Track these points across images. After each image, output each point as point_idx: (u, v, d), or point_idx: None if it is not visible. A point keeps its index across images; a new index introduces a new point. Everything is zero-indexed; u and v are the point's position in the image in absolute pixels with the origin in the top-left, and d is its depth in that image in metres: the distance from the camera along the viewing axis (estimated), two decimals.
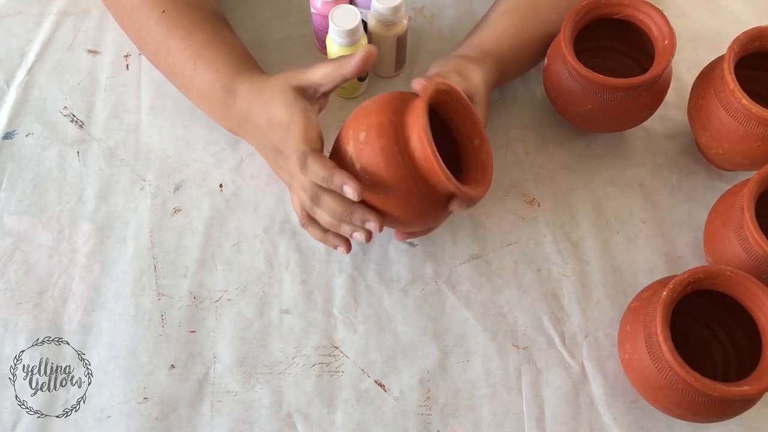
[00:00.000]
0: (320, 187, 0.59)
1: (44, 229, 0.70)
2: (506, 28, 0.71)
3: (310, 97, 0.63)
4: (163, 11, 0.69)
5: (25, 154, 0.74)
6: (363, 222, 0.59)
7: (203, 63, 0.67)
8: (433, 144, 0.55)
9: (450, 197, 0.59)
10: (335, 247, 0.65)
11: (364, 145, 0.57)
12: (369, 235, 0.61)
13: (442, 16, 0.83)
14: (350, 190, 0.56)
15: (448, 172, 0.55)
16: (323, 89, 0.63)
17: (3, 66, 0.79)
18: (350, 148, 0.58)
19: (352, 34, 0.69)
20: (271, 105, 0.63)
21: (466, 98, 0.60)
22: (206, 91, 0.68)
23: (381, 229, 0.59)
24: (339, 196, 0.59)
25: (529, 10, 0.71)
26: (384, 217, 0.59)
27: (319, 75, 0.62)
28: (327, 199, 0.59)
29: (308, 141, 0.60)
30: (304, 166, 0.58)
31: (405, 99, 0.58)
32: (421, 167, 0.56)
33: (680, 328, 0.64)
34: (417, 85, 0.58)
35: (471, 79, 0.65)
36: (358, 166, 0.57)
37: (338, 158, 0.59)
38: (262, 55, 0.79)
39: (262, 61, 0.78)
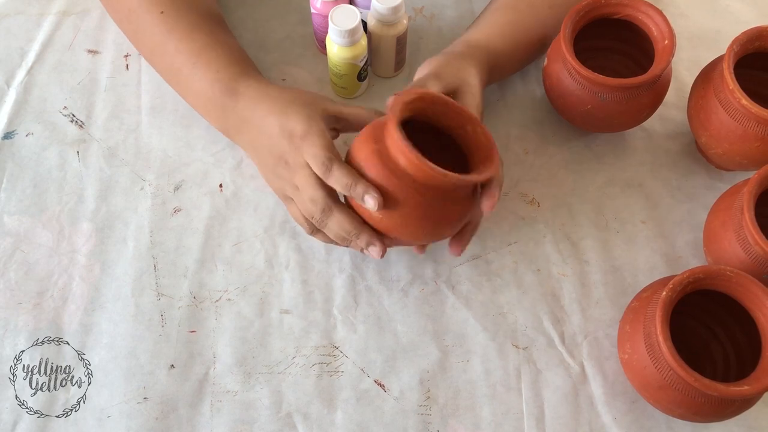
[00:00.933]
0: (334, 202, 0.60)
1: (44, 229, 0.70)
2: (496, 21, 0.71)
3: (332, 125, 0.64)
4: (162, 12, 0.69)
5: (25, 154, 0.74)
6: (367, 245, 0.60)
7: (203, 63, 0.67)
8: (412, 148, 0.55)
9: (466, 200, 0.59)
10: (361, 250, 0.63)
11: None
12: (382, 252, 0.61)
13: (442, 16, 0.83)
14: (371, 201, 0.57)
15: (435, 167, 0.55)
16: (341, 126, 0.65)
17: (3, 66, 0.79)
18: None
19: (352, 34, 0.69)
20: (289, 113, 0.62)
21: (442, 95, 0.60)
22: (204, 91, 0.68)
23: (382, 256, 0.60)
24: (350, 214, 0.59)
25: (521, 4, 0.71)
26: (401, 238, 0.61)
27: (359, 113, 0.64)
28: (339, 216, 0.60)
29: (331, 150, 0.60)
30: (328, 171, 0.58)
31: (382, 125, 0.59)
32: (417, 177, 0.56)
33: (680, 328, 0.64)
34: (389, 102, 0.58)
35: (455, 74, 0.65)
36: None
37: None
38: (262, 55, 0.79)
39: (262, 61, 0.78)
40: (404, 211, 0.58)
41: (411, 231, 0.59)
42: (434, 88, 0.63)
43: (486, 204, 0.60)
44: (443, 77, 0.64)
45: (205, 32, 0.69)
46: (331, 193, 0.60)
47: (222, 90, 0.66)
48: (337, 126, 0.65)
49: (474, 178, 0.57)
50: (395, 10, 0.70)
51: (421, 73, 0.66)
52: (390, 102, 0.57)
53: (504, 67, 0.72)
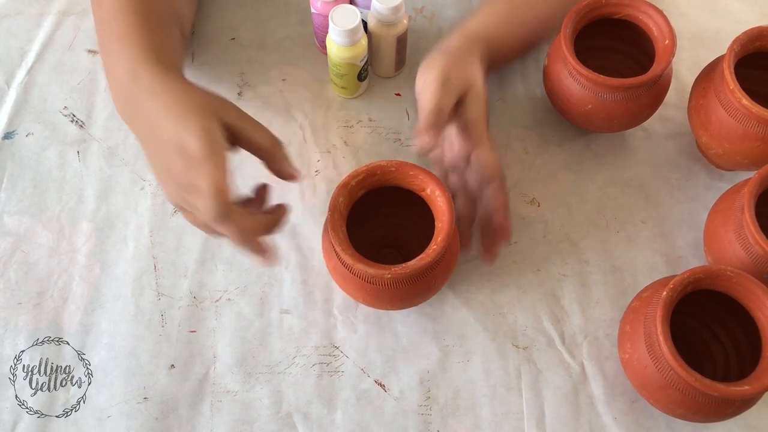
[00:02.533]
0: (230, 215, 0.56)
1: (44, 229, 0.70)
2: (493, 10, 0.71)
3: (229, 137, 0.58)
4: None
5: (25, 154, 0.74)
6: (253, 252, 0.58)
7: (126, 42, 0.61)
8: (347, 245, 0.57)
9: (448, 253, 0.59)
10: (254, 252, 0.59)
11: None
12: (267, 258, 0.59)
13: (442, 16, 0.83)
14: (261, 261, 0.58)
15: (375, 267, 0.56)
16: (236, 141, 0.59)
17: (3, 66, 0.79)
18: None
19: (352, 34, 0.69)
20: (186, 123, 0.55)
21: (393, 161, 0.59)
22: (114, 68, 0.62)
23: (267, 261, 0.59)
24: (250, 218, 0.57)
25: None
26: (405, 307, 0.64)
27: (259, 137, 0.58)
28: (236, 217, 0.56)
29: (221, 194, 0.54)
30: (221, 221, 0.55)
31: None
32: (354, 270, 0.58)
33: (680, 328, 0.64)
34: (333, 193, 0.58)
35: (463, 77, 0.63)
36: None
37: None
38: (262, 55, 0.79)
39: (262, 61, 0.78)
40: (389, 295, 0.59)
41: (409, 302, 0.62)
42: (446, 99, 0.61)
43: (486, 260, 0.63)
44: (452, 83, 0.62)
45: (141, 13, 0.63)
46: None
47: (126, 69, 0.60)
48: (231, 140, 0.58)
49: (413, 265, 0.56)
50: (395, 10, 0.70)
51: (423, 76, 0.63)
52: (333, 193, 0.58)
53: (503, 55, 0.72)
